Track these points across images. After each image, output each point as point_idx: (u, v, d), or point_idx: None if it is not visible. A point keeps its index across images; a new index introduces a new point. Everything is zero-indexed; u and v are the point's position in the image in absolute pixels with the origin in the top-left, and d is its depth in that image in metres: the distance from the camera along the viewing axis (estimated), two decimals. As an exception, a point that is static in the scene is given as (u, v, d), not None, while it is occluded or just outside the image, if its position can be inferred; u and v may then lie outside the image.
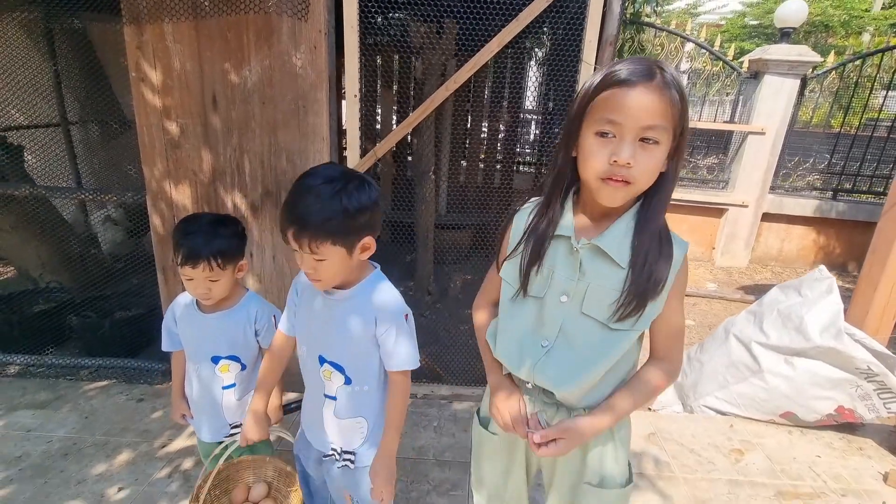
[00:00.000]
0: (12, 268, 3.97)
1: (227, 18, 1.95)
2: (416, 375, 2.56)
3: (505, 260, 1.02)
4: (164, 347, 1.47)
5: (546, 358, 0.96)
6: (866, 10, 11.98)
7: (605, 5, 1.97)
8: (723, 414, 2.45)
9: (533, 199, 1.03)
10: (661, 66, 0.81)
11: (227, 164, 2.15)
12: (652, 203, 0.89)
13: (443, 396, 2.51)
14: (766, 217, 5.05)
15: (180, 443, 2.07)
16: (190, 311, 1.41)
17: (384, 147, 2.17)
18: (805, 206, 4.98)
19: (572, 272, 0.92)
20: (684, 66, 7.27)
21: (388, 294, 1.14)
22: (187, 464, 1.95)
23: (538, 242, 0.95)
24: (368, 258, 1.14)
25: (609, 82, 0.81)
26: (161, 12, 1.96)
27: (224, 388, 1.39)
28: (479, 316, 1.16)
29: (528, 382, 1.01)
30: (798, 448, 2.23)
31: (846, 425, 2.33)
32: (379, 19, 2.12)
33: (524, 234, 0.98)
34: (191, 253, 1.26)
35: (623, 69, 0.81)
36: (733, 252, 5.15)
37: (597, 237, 0.90)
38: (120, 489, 1.81)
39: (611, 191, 0.84)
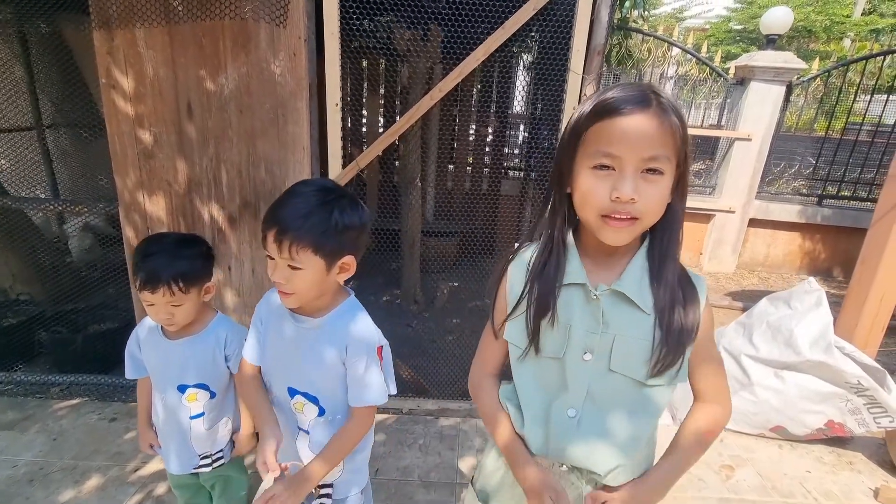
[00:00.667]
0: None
1: (201, 24, 1.87)
2: (402, 389, 2.50)
3: (507, 320, 0.89)
4: (128, 375, 1.39)
5: (577, 432, 0.84)
6: (847, 16, 12.18)
7: (592, 13, 1.93)
8: (713, 427, 2.41)
9: (525, 245, 0.93)
10: (656, 90, 0.75)
11: (204, 175, 2.06)
12: (665, 240, 0.82)
13: (429, 411, 2.44)
14: (753, 222, 5.06)
15: (154, 466, 1.98)
16: (154, 337, 1.33)
17: (367, 157, 2.10)
18: (791, 211, 5.00)
19: (594, 324, 0.81)
20: (671, 71, 7.31)
21: (362, 323, 1.07)
22: (160, 489, 1.86)
23: (546, 292, 0.83)
24: (345, 282, 1.09)
25: (601, 112, 0.74)
26: (132, 17, 1.88)
27: (192, 417, 1.31)
28: (484, 396, 0.97)
29: (562, 465, 0.88)
30: (788, 463, 2.20)
31: (836, 439, 2.31)
32: (365, 23, 2.05)
33: (526, 284, 0.86)
34: (149, 277, 1.18)
35: (615, 97, 0.73)
36: (720, 257, 5.16)
37: (616, 281, 0.82)
38: (87, 518, 1.72)
39: (614, 231, 0.77)
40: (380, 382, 1.07)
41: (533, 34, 2.31)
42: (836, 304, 2.43)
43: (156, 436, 1.43)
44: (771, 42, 4.62)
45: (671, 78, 7.02)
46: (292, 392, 1.08)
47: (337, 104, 1.98)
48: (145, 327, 1.38)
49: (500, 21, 1.94)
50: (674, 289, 0.80)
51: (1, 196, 2.98)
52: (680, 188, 0.79)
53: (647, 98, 0.73)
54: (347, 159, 2.12)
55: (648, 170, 0.73)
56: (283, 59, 1.90)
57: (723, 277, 5.04)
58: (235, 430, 1.42)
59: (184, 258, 1.24)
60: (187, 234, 1.35)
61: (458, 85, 2.07)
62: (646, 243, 0.84)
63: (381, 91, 4.07)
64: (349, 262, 1.01)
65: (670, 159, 0.74)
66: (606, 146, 0.73)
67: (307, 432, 1.10)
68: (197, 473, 1.40)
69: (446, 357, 2.57)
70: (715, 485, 2.04)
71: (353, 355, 1.04)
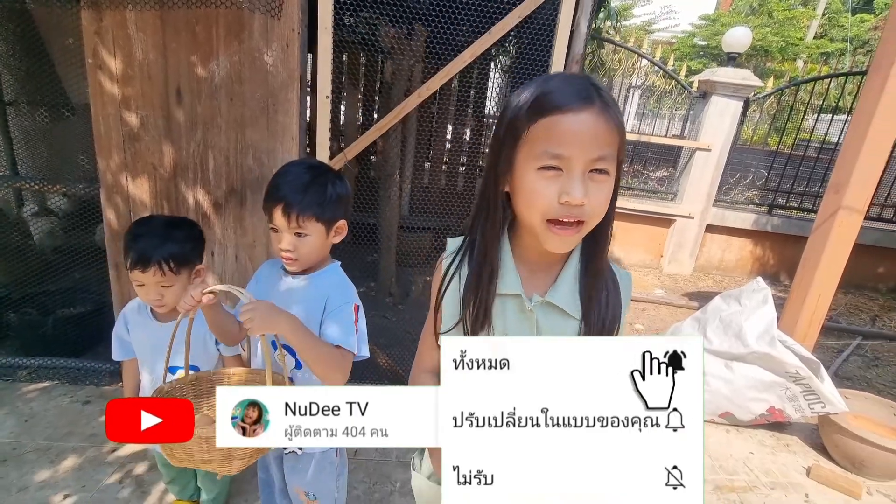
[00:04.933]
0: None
1: (195, 11, 1.90)
2: (379, 377, 2.58)
3: (444, 333, 0.86)
4: (116, 357, 1.42)
5: None
6: (800, 39, 12.96)
7: (572, 24, 2.06)
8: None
9: (457, 240, 0.89)
10: (596, 83, 0.72)
11: (190, 160, 2.09)
12: (598, 241, 0.80)
13: (405, 398, 2.53)
14: (710, 228, 5.38)
15: (133, 446, 1.99)
16: (144, 319, 1.37)
17: (355, 150, 2.17)
18: (745, 219, 5.34)
19: (529, 333, 0.82)
20: (637, 81, 7.63)
21: (344, 282, 1.23)
22: (140, 468, 1.88)
23: (481, 303, 0.81)
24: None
25: (546, 108, 0.70)
26: (124, -1, 1.88)
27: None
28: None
29: None
30: (734, 445, 2.41)
31: (776, 424, 2.54)
32: (350, 20, 2.12)
33: (462, 294, 0.83)
34: (141, 256, 1.22)
35: (559, 91, 0.70)
36: (679, 260, 5.45)
37: (549, 291, 0.82)
38: (66, 496, 1.73)
39: (560, 239, 0.74)
40: (344, 329, 1.16)
41: (511, 39, 2.44)
42: (781, 305, 2.66)
43: None
44: (731, 59, 4.92)
45: (638, 87, 7.34)
46: (275, 345, 1.16)
47: (327, 96, 2.04)
48: (133, 311, 1.41)
49: (483, 25, 2.05)
50: (602, 289, 0.82)
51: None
52: (616, 189, 0.77)
53: (590, 93, 0.70)
54: (332, 150, 2.19)
55: (595, 170, 0.71)
56: (276, 49, 1.95)
57: (681, 279, 5.33)
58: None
59: (175, 239, 1.29)
60: (178, 216, 1.39)
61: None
62: (579, 245, 0.82)
63: (362, 87, 4.12)
64: (342, 225, 1.20)
65: (614, 158, 0.73)
66: (556, 146, 0.69)
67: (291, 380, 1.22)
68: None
69: (422, 346, 2.67)
70: (669, 465, 2.22)
71: (331, 305, 1.17)
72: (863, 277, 5.26)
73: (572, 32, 2.07)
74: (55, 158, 4.42)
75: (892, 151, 4.29)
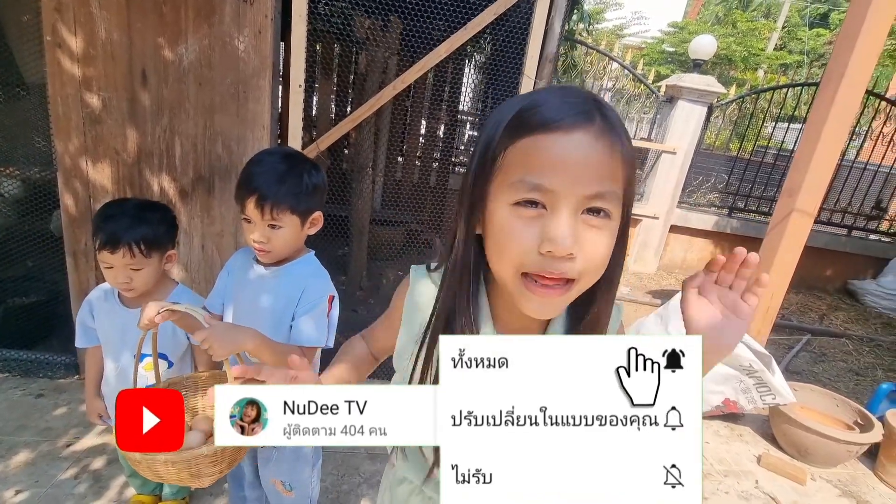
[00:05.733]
0: None
1: (162, -9, 1.84)
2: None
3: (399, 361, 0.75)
4: (79, 344, 1.37)
5: None
6: (762, 50, 13.51)
7: (547, 23, 2.10)
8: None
9: (431, 267, 0.74)
10: (598, 99, 0.56)
11: (156, 145, 2.02)
12: (597, 307, 0.63)
13: (374, 391, 2.53)
14: (674, 229, 5.56)
15: (89, 441, 1.92)
16: (111, 305, 1.33)
17: (327, 140, 2.15)
18: (706, 220, 5.55)
19: None
20: (608, 83, 7.82)
21: (320, 273, 1.21)
22: (97, 463, 1.82)
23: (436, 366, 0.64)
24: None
25: (528, 124, 0.53)
26: (86, -26, 1.81)
27: (148, 385, 1.33)
28: (345, 347, 0.88)
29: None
30: (691, 436, 2.52)
31: (730, 415, 2.66)
32: (325, 9, 2.10)
33: (421, 341, 0.67)
34: (111, 238, 1.19)
35: (546, 104, 0.53)
36: (644, 259, 5.62)
37: None
38: (18, 492, 1.65)
39: (539, 301, 0.56)
40: (316, 326, 1.16)
41: (486, 36, 2.46)
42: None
43: (105, 406, 1.42)
44: (697, 66, 5.10)
45: (608, 90, 7.51)
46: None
47: (300, 85, 2.01)
48: (100, 296, 1.37)
49: (459, 20, 2.06)
50: None
51: None
52: (623, 237, 0.58)
53: (589, 110, 0.53)
54: (304, 141, 2.16)
55: (591, 210, 0.54)
56: (247, 35, 1.91)
57: (645, 277, 5.50)
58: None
59: (147, 222, 1.26)
60: (150, 200, 1.35)
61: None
62: (568, 309, 0.63)
63: (335, 77, 4.07)
64: (318, 216, 1.18)
65: (619, 197, 0.55)
66: (537, 174, 0.52)
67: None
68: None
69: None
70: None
71: (306, 298, 1.15)
72: (813, 279, 5.56)
73: (546, 32, 2.10)
74: (6, 140, 4.20)
75: (840, 159, 4.54)
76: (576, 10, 5.96)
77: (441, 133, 4.02)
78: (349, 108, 3.97)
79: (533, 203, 0.53)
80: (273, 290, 1.18)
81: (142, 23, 1.87)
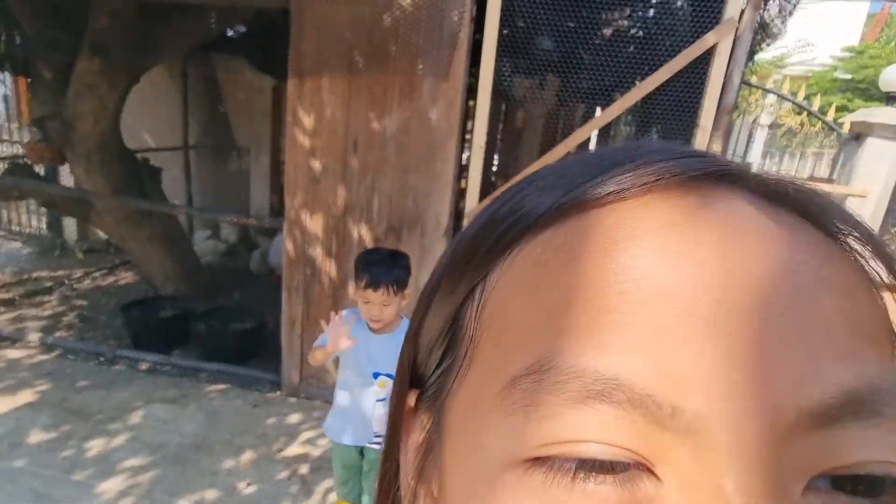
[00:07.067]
0: (131, 273, 4.48)
1: (376, 76, 2.23)
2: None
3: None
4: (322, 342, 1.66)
5: None
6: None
7: (725, 75, 2.08)
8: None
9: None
10: (798, 183, 0.18)
11: (359, 200, 2.40)
12: None
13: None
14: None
15: (295, 449, 2.26)
16: (362, 330, 1.61)
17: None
18: (910, 274, 4.68)
19: None
20: (766, 119, 7.10)
21: None
22: (304, 469, 2.13)
23: None
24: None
25: (588, 192, 0.17)
26: (321, 69, 2.28)
27: (378, 400, 1.57)
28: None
29: None
30: None
31: None
32: (506, 80, 2.33)
33: None
34: (374, 279, 1.47)
35: (638, 154, 0.18)
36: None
37: None
38: (249, 484, 2.01)
39: None
40: None
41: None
42: None
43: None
44: (892, 99, 4.47)
45: (770, 127, 6.86)
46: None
47: (481, 146, 2.25)
48: (355, 319, 1.66)
49: (629, 76, 2.14)
50: None
51: (165, 204, 3.52)
52: None
53: (783, 195, 0.17)
54: (481, 194, 2.38)
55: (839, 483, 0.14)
56: (441, 106, 2.21)
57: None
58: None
59: (399, 267, 1.54)
60: (396, 249, 1.66)
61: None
62: None
63: (498, 136, 4.40)
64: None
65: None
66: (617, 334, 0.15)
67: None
68: (361, 451, 1.64)
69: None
70: None
71: None
72: None
73: (724, 84, 2.08)
74: (223, 193, 5.21)
75: None
76: (752, 61, 5.64)
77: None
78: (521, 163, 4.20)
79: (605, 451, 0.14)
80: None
81: (357, 102, 2.29)
